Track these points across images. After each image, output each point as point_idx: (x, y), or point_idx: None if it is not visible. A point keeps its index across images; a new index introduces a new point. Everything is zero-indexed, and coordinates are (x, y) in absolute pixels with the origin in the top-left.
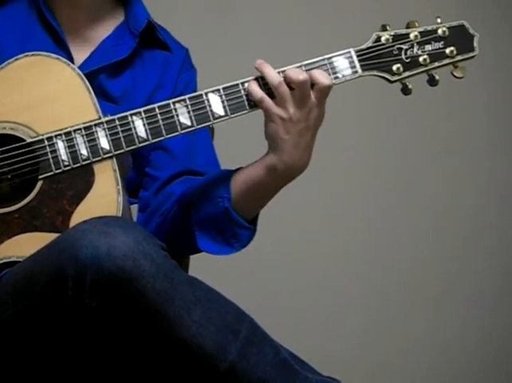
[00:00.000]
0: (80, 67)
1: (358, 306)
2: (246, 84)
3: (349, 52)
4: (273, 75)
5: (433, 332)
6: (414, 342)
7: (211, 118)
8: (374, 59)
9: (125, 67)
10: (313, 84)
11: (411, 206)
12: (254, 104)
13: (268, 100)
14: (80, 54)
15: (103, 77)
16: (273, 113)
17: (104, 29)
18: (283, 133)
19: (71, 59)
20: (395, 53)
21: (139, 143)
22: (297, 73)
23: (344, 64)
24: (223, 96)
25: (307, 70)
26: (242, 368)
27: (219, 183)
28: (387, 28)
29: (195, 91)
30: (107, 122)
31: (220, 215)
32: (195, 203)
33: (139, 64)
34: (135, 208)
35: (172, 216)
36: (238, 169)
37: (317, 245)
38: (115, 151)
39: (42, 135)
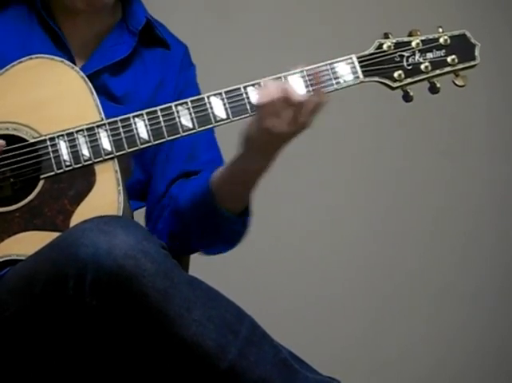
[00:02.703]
0: (83, 68)
1: (358, 307)
2: (248, 88)
3: (351, 58)
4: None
5: (433, 332)
6: (414, 342)
7: (213, 121)
8: (376, 65)
9: (126, 66)
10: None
11: (411, 207)
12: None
13: (267, 109)
14: (82, 55)
15: (106, 77)
16: (265, 123)
17: (104, 29)
18: (259, 143)
19: (73, 61)
20: (396, 60)
21: (141, 144)
22: (298, 94)
23: (345, 70)
24: (225, 100)
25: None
26: (241, 367)
27: (204, 193)
28: (390, 35)
29: (196, 87)
30: (109, 123)
31: (211, 220)
32: (188, 213)
33: (140, 62)
34: (140, 213)
35: (171, 224)
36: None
37: (317, 245)
38: (116, 152)
39: (45, 135)
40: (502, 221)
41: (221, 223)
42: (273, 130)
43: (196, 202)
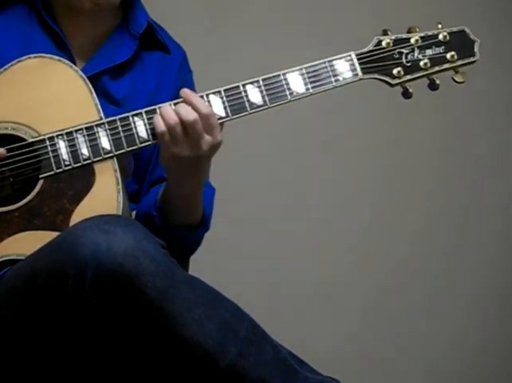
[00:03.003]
0: (83, 70)
1: (359, 307)
2: (247, 87)
3: (350, 55)
4: (169, 114)
5: (433, 332)
6: (414, 342)
7: None
8: (375, 62)
9: (126, 69)
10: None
11: (409, 206)
12: (254, 106)
13: (167, 137)
14: (82, 57)
15: (106, 80)
16: (168, 150)
17: (104, 31)
18: (174, 167)
19: (73, 62)
20: (395, 56)
21: (140, 143)
22: (187, 113)
23: (344, 67)
24: (224, 98)
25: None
26: (241, 366)
27: (150, 202)
28: (389, 32)
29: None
30: (108, 122)
31: (165, 232)
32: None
33: (140, 66)
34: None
35: None
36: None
37: (317, 245)
38: (116, 151)
39: (44, 135)
40: (503, 222)
41: (174, 234)
42: (181, 155)
43: (149, 212)
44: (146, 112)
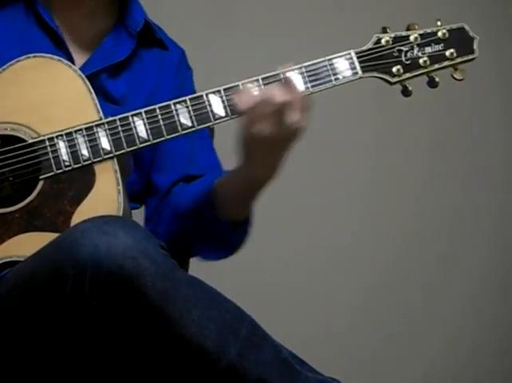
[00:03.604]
0: (82, 68)
1: (360, 307)
2: (246, 86)
3: (350, 53)
4: (251, 96)
5: (433, 332)
6: (415, 342)
7: (212, 119)
8: (374, 60)
9: (125, 68)
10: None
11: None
12: None
13: (249, 116)
14: (80, 55)
15: (104, 78)
16: (249, 129)
17: (102, 30)
18: (254, 150)
19: (71, 60)
20: (395, 54)
21: (140, 143)
22: (274, 94)
23: (344, 65)
24: (224, 97)
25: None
26: (242, 367)
27: (205, 198)
28: (388, 30)
29: (193, 91)
30: (108, 123)
31: (210, 227)
32: (187, 217)
33: (138, 64)
34: (135, 214)
35: (170, 227)
36: (221, 177)
37: (317, 245)
38: (116, 151)
39: (43, 135)
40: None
41: (220, 230)
42: (262, 134)
43: (197, 205)
44: (145, 111)
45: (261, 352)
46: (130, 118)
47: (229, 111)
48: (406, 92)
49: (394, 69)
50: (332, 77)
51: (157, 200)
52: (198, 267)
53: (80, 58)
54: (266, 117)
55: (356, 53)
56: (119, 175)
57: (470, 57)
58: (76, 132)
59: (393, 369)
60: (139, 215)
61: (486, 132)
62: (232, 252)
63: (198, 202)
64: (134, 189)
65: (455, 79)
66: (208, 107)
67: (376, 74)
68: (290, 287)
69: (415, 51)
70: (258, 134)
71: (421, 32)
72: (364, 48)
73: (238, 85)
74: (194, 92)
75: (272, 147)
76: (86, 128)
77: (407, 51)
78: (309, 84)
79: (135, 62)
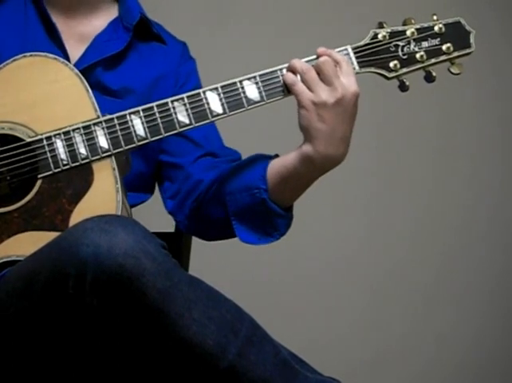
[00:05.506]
0: (76, 63)
1: (360, 307)
2: (244, 83)
3: (346, 49)
4: (300, 63)
5: (433, 331)
6: (414, 342)
7: (210, 116)
8: (371, 56)
9: (121, 60)
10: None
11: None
12: (252, 102)
13: (301, 85)
14: (76, 50)
15: (99, 72)
16: (305, 98)
17: (99, 25)
18: (316, 121)
19: (66, 56)
20: (392, 49)
21: (138, 141)
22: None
23: None
24: (221, 95)
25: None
26: (242, 367)
27: (255, 174)
28: (384, 25)
29: (198, 79)
30: (105, 121)
31: (258, 205)
32: (232, 192)
33: (136, 57)
34: (138, 210)
35: (207, 203)
36: (272, 157)
37: (317, 245)
38: (114, 149)
39: (41, 134)
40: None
41: (271, 212)
42: (316, 100)
43: (250, 184)
44: (143, 109)
45: (261, 352)
46: (128, 116)
47: (226, 108)
48: (403, 87)
49: (391, 64)
50: None
51: (182, 178)
52: (199, 267)
53: (75, 53)
54: (317, 81)
55: (353, 49)
56: (117, 173)
57: (467, 51)
58: (73, 130)
59: (393, 369)
60: (139, 215)
61: (487, 132)
62: (274, 237)
63: (249, 185)
64: (144, 178)
65: (452, 73)
66: (206, 104)
67: (373, 69)
68: (290, 287)
69: (412, 46)
70: (317, 99)
71: (417, 26)
72: (361, 43)
73: (235, 82)
74: (199, 83)
75: (335, 114)
76: (84, 127)
77: (403, 46)
78: None
79: (132, 55)
